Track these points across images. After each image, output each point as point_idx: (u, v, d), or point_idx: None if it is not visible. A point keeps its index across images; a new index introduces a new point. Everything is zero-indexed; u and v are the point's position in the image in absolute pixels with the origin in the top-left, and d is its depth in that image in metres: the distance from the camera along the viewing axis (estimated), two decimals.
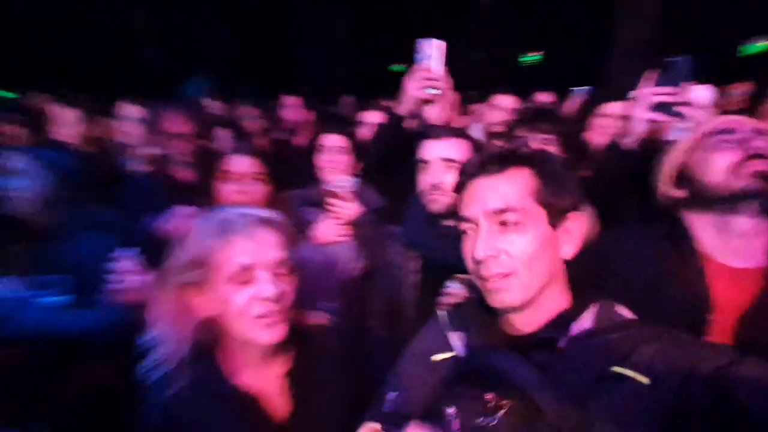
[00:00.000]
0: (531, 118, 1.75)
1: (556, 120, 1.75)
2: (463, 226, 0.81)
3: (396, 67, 11.46)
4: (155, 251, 1.48)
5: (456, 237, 0.88)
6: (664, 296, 1.13)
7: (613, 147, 1.66)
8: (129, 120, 2.36)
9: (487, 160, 0.79)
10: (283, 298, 0.89)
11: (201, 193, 1.75)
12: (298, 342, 0.97)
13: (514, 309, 0.77)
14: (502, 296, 0.76)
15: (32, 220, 1.47)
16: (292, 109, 3.12)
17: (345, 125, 3.02)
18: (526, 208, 0.75)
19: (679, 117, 1.43)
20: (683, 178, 1.13)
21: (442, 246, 1.31)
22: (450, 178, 1.35)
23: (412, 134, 1.78)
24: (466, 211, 0.80)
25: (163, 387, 0.90)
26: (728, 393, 0.62)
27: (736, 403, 0.61)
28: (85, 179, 1.61)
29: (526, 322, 0.78)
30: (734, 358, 0.67)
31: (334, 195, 1.64)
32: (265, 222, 0.91)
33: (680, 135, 1.36)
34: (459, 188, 0.83)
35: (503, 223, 0.75)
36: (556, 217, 0.77)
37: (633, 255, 1.21)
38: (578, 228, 0.79)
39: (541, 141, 1.66)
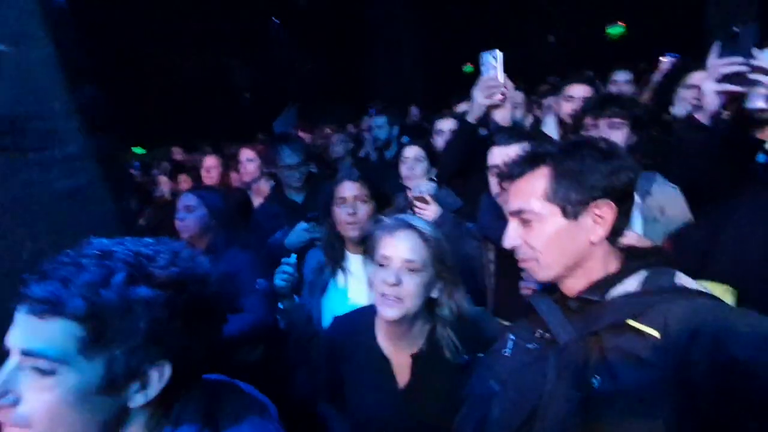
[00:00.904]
0: (598, 104, 1.80)
1: (625, 103, 1.77)
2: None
3: (469, 68, 11.46)
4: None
5: None
6: None
7: (688, 122, 1.65)
8: (247, 161, 2.89)
9: (513, 166, 0.94)
10: (404, 288, 1.13)
11: (311, 211, 2.12)
12: (431, 333, 1.23)
13: (548, 282, 0.92)
14: (533, 274, 0.92)
15: (197, 242, 1.94)
16: (380, 129, 3.54)
17: (422, 136, 3.25)
18: (535, 209, 0.87)
19: (755, 85, 1.39)
20: None
21: None
22: None
23: (483, 138, 1.97)
24: (507, 206, 0.98)
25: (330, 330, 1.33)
26: (726, 350, 0.66)
27: (734, 360, 0.65)
28: (226, 211, 2.04)
29: (570, 288, 0.91)
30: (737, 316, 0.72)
31: (418, 199, 1.86)
32: (408, 227, 1.18)
33: (763, 103, 1.34)
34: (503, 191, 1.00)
35: (522, 220, 0.90)
36: (571, 210, 0.86)
37: (742, 234, 1.21)
38: (605, 214, 0.86)
39: (609, 126, 1.72)
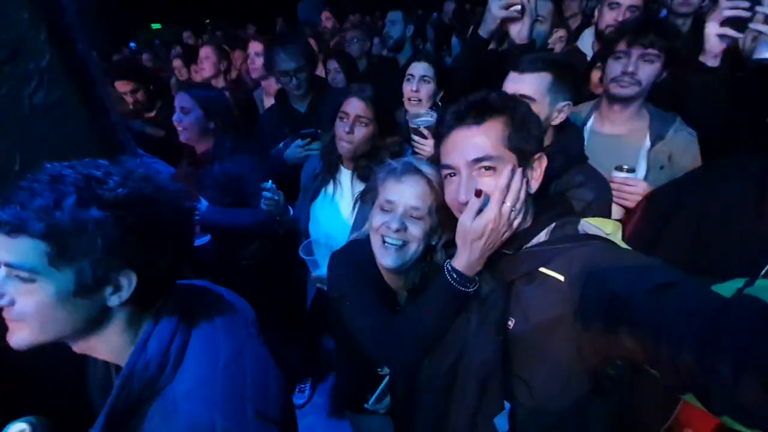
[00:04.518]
0: (634, 28, 1.56)
1: (666, 32, 1.53)
2: (445, 171, 0.96)
3: None
4: (283, 173, 1.87)
5: None
6: (731, 234, 1.10)
7: (692, 64, 1.51)
8: (256, 56, 2.71)
9: (465, 111, 0.90)
10: (408, 233, 1.09)
11: (314, 121, 2.05)
12: (424, 273, 1.16)
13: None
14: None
15: (198, 144, 1.91)
16: (393, 26, 3.14)
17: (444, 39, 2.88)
18: (500, 156, 0.88)
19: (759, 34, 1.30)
20: None
21: None
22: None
23: (496, 56, 1.78)
24: (449, 159, 0.93)
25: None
26: (609, 286, 0.76)
27: (613, 293, 0.74)
28: (228, 113, 1.93)
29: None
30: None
31: (414, 132, 1.69)
32: (417, 172, 1.12)
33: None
34: (441, 137, 0.95)
35: (480, 169, 0.90)
36: (524, 159, 0.90)
37: (708, 194, 1.18)
38: (540, 167, 0.93)
39: (641, 57, 1.53)
